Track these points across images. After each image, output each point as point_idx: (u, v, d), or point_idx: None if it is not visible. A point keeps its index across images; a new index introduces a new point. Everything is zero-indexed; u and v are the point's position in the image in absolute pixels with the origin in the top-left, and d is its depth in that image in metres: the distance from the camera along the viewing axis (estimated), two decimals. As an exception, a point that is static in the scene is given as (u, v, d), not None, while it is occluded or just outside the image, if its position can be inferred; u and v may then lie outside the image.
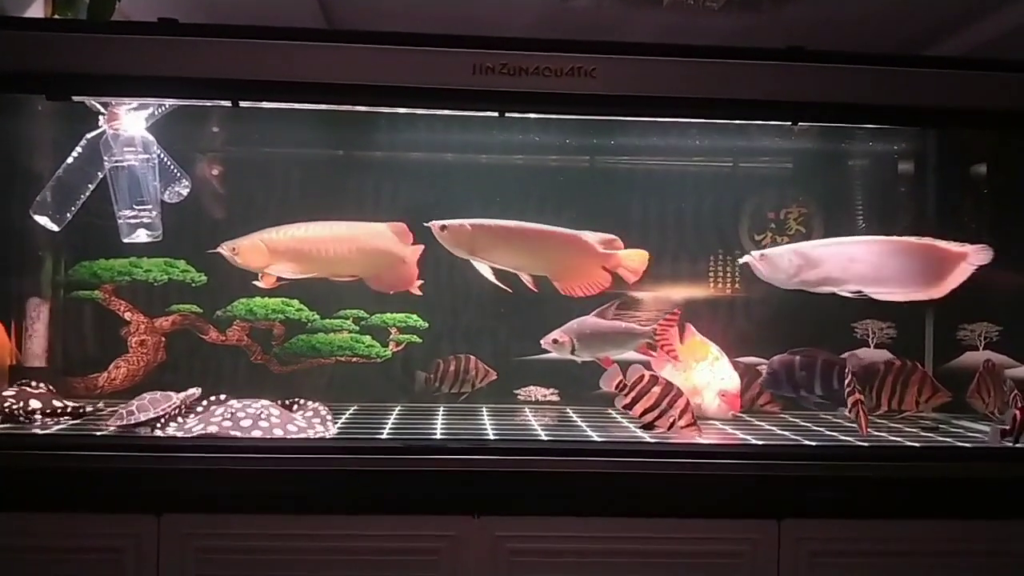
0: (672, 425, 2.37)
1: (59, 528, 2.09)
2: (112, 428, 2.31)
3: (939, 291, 2.66)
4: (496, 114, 2.36)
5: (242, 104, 2.30)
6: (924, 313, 3.13)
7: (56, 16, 2.59)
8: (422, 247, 2.80)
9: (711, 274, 3.13)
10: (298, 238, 2.75)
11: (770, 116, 2.43)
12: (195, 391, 2.46)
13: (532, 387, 2.95)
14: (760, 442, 2.43)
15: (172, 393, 2.40)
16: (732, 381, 2.80)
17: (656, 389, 2.41)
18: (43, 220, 2.58)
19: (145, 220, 2.54)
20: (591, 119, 2.81)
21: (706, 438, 2.45)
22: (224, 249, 2.73)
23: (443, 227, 2.67)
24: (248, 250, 2.74)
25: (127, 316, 2.83)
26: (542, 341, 2.72)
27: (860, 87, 2.28)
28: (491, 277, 2.72)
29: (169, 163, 2.67)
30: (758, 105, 2.29)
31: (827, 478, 2.23)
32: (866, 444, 2.43)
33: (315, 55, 2.20)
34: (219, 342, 2.88)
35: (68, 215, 2.58)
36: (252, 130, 2.99)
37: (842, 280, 2.69)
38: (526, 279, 2.72)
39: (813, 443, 2.44)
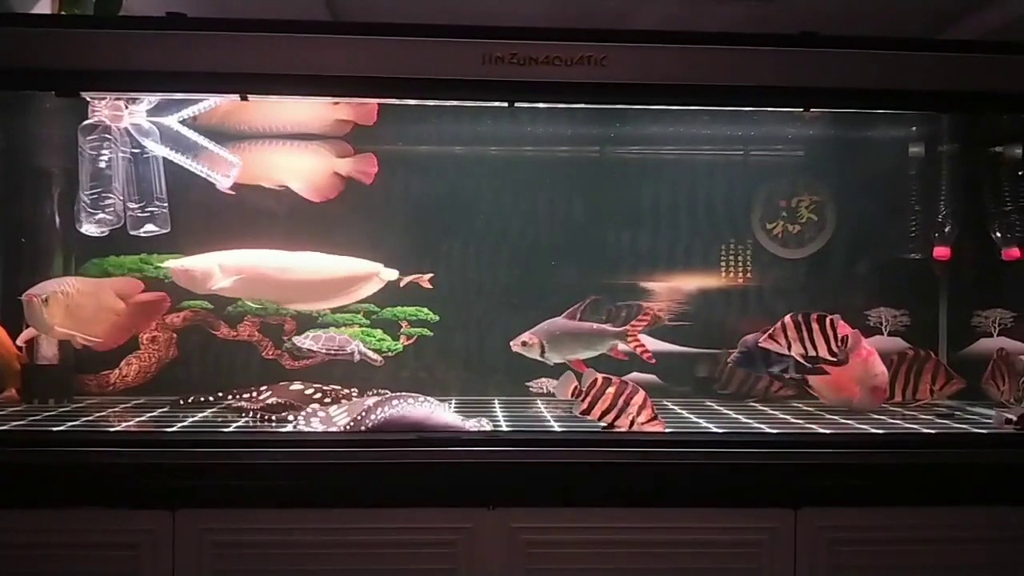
0: (633, 423, 2.34)
1: (74, 524, 2.09)
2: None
3: (346, 301, 2.85)
4: (505, 104, 2.35)
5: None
6: (938, 300, 3.12)
7: (63, 12, 2.58)
8: (144, 299, 2.74)
9: (723, 264, 3.12)
10: (84, 293, 2.59)
11: (783, 103, 2.42)
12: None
13: (543, 379, 2.94)
14: (775, 431, 2.43)
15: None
16: (884, 376, 2.72)
17: (611, 390, 2.36)
18: (90, 229, 2.55)
19: (108, 213, 2.52)
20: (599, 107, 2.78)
21: (719, 427, 2.45)
22: (32, 299, 2.50)
23: None
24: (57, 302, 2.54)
25: (137, 313, 2.81)
26: (511, 343, 2.70)
27: (874, 72, 2.26)
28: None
29: (215, 150, 2.66)
30: (772, 92, 2.28)
31: (843, 466, 2.22)
32: (882, 432, 2.42)
33: (324, 48, 2.20)
34: (231, 338, 2.88)
35: (109, 215, 2.54)
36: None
37: (256, 292, 2.80)
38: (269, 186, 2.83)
39: (828, 431, 2.43)
